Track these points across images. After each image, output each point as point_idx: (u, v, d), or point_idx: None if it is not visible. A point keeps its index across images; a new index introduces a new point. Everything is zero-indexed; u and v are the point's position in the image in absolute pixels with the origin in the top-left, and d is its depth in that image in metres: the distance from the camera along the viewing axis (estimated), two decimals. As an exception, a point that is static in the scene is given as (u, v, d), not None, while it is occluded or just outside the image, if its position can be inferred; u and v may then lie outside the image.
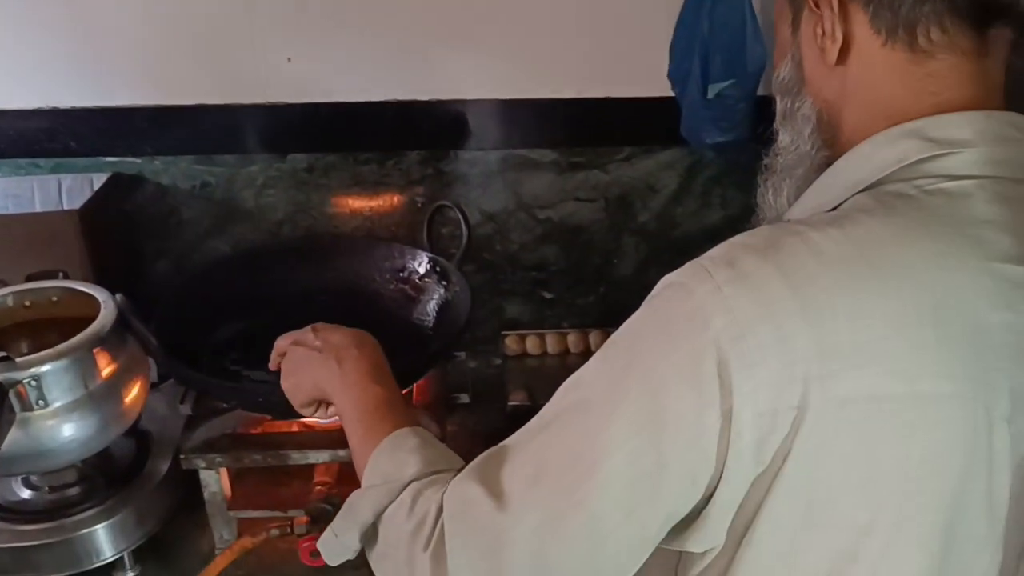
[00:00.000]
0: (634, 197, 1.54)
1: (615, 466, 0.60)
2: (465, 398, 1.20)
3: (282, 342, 0.96)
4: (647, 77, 1.42)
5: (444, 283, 1.26)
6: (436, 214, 1.29)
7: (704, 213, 1.57)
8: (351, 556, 0.78)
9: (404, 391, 1.13)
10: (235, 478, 1.16)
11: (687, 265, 0.62)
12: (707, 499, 0.61)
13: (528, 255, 1.58)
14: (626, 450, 0.60)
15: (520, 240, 1.57)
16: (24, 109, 1.40)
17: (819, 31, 0.68)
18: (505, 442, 0.69)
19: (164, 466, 1.16)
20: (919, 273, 0.59)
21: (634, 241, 1.58)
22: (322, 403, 0.93)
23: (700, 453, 0.59)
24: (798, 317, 0.57)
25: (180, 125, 1.43)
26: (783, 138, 0.74)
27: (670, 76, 1.40)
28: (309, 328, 0.94)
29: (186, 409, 1.15)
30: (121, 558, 1.09)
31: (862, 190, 0.65)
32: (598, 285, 1.61)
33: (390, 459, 0.76)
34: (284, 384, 0.94)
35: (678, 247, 1.58)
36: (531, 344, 1.52)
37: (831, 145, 0.70)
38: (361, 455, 0.79)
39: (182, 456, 1.08)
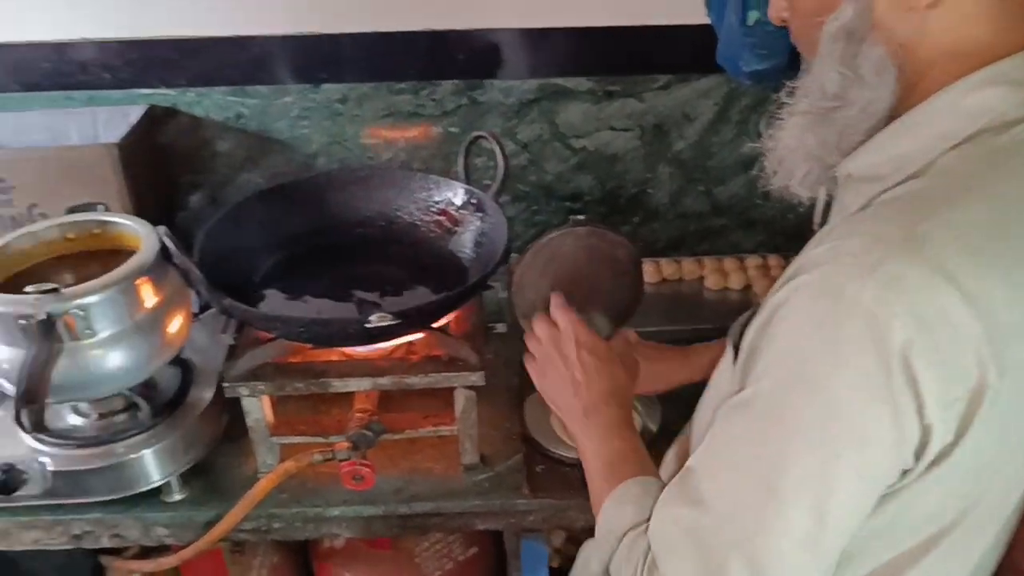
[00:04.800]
0: (670, 126, 1.52)
1: (817, 481, 0.62)
2: (502, 327, 1.21)
3: (540, 330, 0.96)
4: (683, 3, 1.39)
5: (480, 215, 1.25)
6: (471, 144, 1.29)
7: (740, 142, 1.54)
8: None
9: (441, 321, 1.13)
10: (277, 405, 1.18)
11: (825, 268, 0.61)
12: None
13: (563, 185, 1.57)
14: (827, 471, 0.62)
15: (555, 170, 1.56)
16: (56, 41, 1.40)
17: None
18: (685, 469, 0.72)
19: (208, 394, 1.19)
20: None
21: (669, 170, 1.56)
22: None
23: (900, 456, 0.62)
24: (962, 307, 0.58)
25: (211, 56, 1.42)
26: (833, 85, 0.67)
27: (707, 2, 1.36)
28: (572, 340, 0.94)
29: (228, 339, 1.17)
30: (168, 482, 1.13)
31: (954, 146, 0.63)
32: (633, 215, 1.59)
33: (614, 512, 0.80)
34: (534, 379, 0.98)
35: (713, 177, 1.57)
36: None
37: (906, 91, 0.66)
38: (596, 505, 0.84)
39: (225, 384, 1.10)
